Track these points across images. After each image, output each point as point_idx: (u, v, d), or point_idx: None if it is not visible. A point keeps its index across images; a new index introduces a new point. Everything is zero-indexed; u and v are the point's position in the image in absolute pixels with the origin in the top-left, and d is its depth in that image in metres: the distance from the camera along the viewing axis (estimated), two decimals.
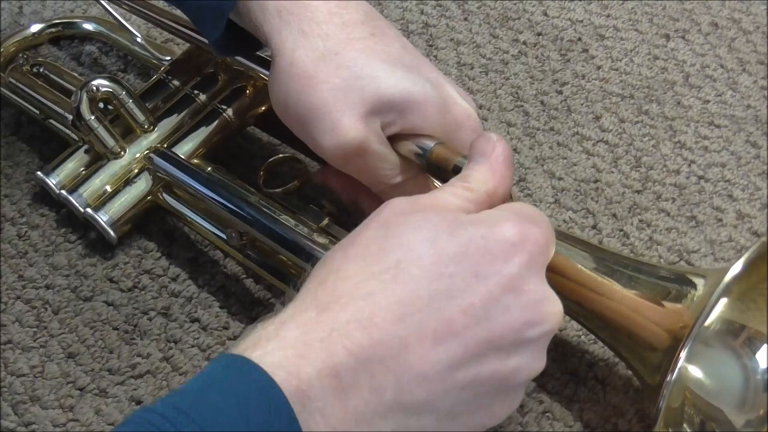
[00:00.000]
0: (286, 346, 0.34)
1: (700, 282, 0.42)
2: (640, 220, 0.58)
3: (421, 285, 0.35)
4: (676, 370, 0.38)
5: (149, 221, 0.57)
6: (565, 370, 0.51)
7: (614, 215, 0.59)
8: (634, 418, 0.49)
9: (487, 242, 0.36)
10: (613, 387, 0.50)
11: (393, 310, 0.35)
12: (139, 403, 0.50)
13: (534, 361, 0.37)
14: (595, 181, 0.61)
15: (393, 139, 0.46)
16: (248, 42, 0.50)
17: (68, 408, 0.49)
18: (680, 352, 0.38)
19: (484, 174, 0.40)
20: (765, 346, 0.44)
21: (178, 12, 0.69)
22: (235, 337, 0.52)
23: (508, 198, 0.41)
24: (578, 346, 0.52)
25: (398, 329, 0.34)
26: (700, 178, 0.61)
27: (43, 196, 0.58)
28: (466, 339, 0.35)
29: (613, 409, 0.49)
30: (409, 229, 0.37)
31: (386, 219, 0.38)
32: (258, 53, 0.56)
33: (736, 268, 0.38)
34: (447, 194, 0.39)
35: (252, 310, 0.54)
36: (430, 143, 0.46)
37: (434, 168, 0.45)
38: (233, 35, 0.49)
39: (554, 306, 0.37)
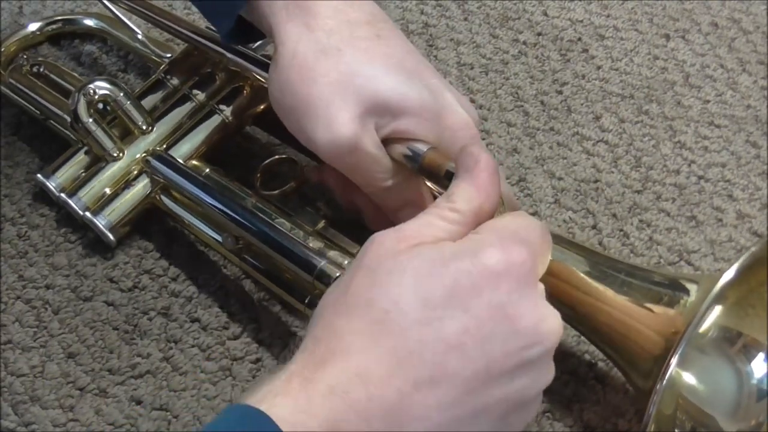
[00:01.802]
0: (291, 403, 0.34)
1: (693, 288, 0.42)
2: (640, 220, 0.58)
3: (410, 334, 0.35)
4: (667, 376, 0.37)
5: (149, 222, 0.57)
6: (565, 370, 0.50)
7: (614, 215, 0.59)
8: (634, 418, 0.49)
9: (472, 277, 0.36)
10: (613, 387, 0.50)
11: (386, 363, 0.35)
12: (139, 403, 0.50)
13: (541, 376, 0.38)
14: (595, 181, 0.61)
15: (386, 142, 0.46)
16: (255, 33, 0.50)
17: (68, 408, 0.49)
18: (671, 358, 0.38)
19: (468, 192, 0.40)
20: (760, 354, 0.43)
21: (178, 12, 0.69)
22: (235, 337, 0.52)
23: (500, 207, 0.41)
24: (578, 346, 0.52)
25: (394, 381, 0.35)
26: (700, 178, 0.61)
27: (43, 197, 0.58)
28: (464, 376, 0.35)
29: (613, 409, 0.49)
30: (395, 276, 0.36)
31: (371, 263, 0.37)
32: (255, 54, 0.56)
33: (729, 274, 0.38)
34: (433, 219, 0.39)
35: (252, 310, 0.54)
36: (423, 148, 0.45)
37: (426, 172, 0.45)
38: (242, 26, 0.50)
39: (551, 324, 0.37)
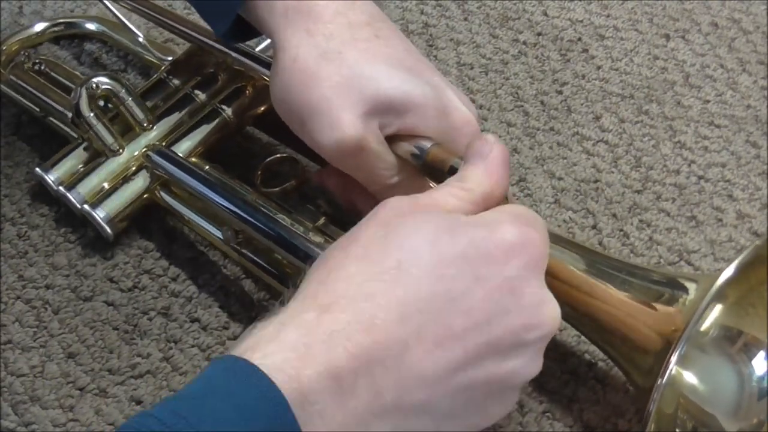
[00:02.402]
0: (286, 349, 0.33)
1: (692, 286, 0.42)
2: (640, 220, 0.58)
3: (421, 286, 0.35)
4: (667, 374, 0.37)
5: (149, 221, 0.57)
6: (565, 370, 0.51)
7: (614, 215, 0.59)
8: (634, 418, 0.49)
9: (487, 245, 0.36)
10: (613, 387, 0.50)
11: (394, 311, 0.34)
12: (139, 403, 0.50)
13: (530, 364, 0.37)
14: (595, 181, 0.61)
15: (390, 140, 0.46)
16: (253, 31, 0.50)
17: (68, 408, 0.49)
18: (671, 355, 0.38)
19: (480, 175, 0.40)
20: (761, 353, 0.43)
21: (179, 11, 0.69)
22: (235, 337, 0.52)
23: (504, 200, 0.41)
24: (578, 346, 0.52)
25: (399, 331, 0.34)
26: (700, 178, 0.61)
27: (43, 196, 0.58)
28: (465, 342, 0.35)
29: (613, 409, 0.49)
30: (410, 229, 0.36)
31: (386, 218, 0.37)
32: (258, 53, 0.56)
33: (728, 272, 0.38)
34: (445, 195, 0.39)
35: (252, 310, 0.54)
36: (426, 144, 0.46)
37: (430, 169, 0.46)
38: (239, 26, 0.50)
39: (553, 310, 0.37)
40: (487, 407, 0.37)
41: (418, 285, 0.35)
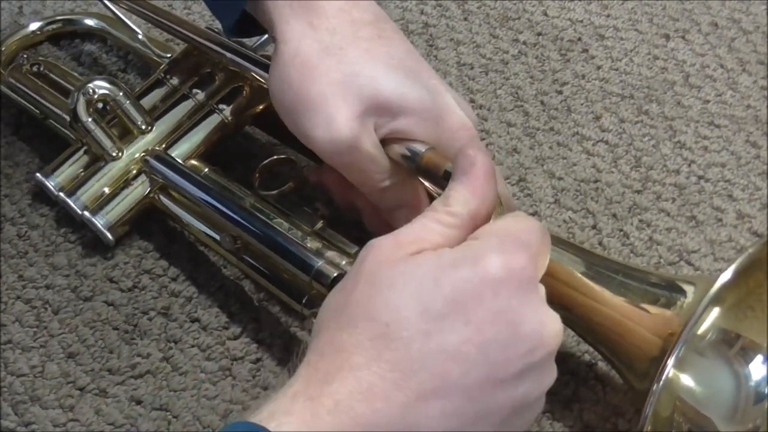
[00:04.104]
0: (299, 421, 0.34)
1: (690, 289, 0.41)
2: (640, 220, 0.58)
3: (412, 347, 0.35)
4: (663, 377, 0.37)
5: (149, 222, 0.57)
6: (565, 370, 0.50)
7: (614, 215, 0.59)
8: (634, 418, 0.49)
9: (473, 286, 0.36)
10: (613, 387, 0.50)
11: (389, 377, 0.35)
12: (139, 403, 0.50)
13: (544, 378, 0.38)
14: (595, 181, 0.61)
15: (385, 142, 0.46)
16: (259, 26, 0.50)
17: (68, 408, 0.49)
18: (668, 359, 0.38)
19: (465, 194, 0.39)
20: (759, 356, 0.43)
21: (178, 12, 0.69)
22: (235, 337, 0.52)
23: (497, 208, 0.41)
24: (578, 346, 0.52)
25: (398, 395, 0.35)
26: (700, 178, 0.61)
27: (43, 196, 0.58)
28: (466, 385, 0.35)
29: (613, 409, 0.49)
30: (394, 287, 0.36)
31: (370, 272, 0.37)
32: (255, 54, 0.56)
33: (726, 275, 0.38)
34: (430, 223, 0.39)
35: (252, 310, 0.54)
36: (421, 148, 0.45)
37: (424, 172, 0.45)
38: (245, 21, 0.50)
39: (552, 327, 0.37)
40: (511, 424, 0.37)
41: (408, 346, 0.35)
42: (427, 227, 0.39)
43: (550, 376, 0.38)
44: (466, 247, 0.38)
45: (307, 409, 0.34)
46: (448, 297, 0.36)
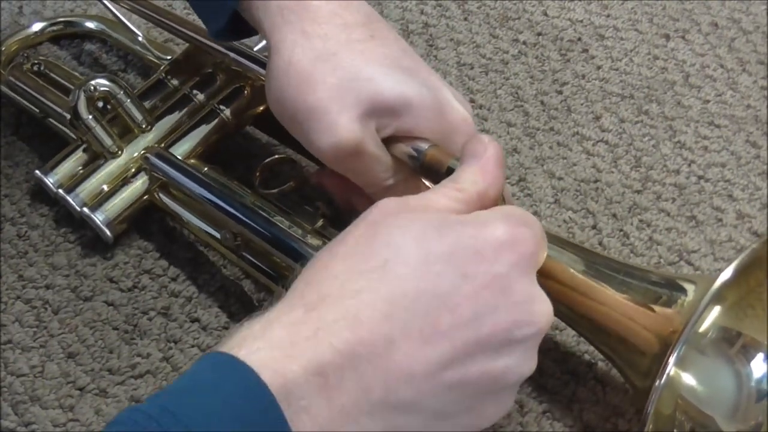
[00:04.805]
0: (272, 346, 0.33)
1: (690, 287, 0.42)
2: (640, 220, 0.58)
3: (407, 284, 0.35)
4: (665, 375, 0.37)
5: (149, 221, 0.57)
6: (565, 370, 0.51)
7: (614, 215, 0.59)
8: (634, 418, 0.49)
9: (476, 242, 0.36)
10: (613, 387, 0.50)
11: (379, 308, 0.35)
12: (139, 403, 0.50)
13: (524, 363, 0.37)
14: (595, 181, 0.61)
15: (387, 141, 0.46)
16: (247, 29, 0.50)
17: (68, 408, 0.49)
18: (669, 357, 0.38)
19: (474, 175, 0.40)
20: (760, 354, 0.43)
21: (178, 11, 0.69)
22: None
23: (500, 200, 0.41)
24: (578, 346, 0.52)
25: (385, 328, 0.34)
26: (700, 178, 0.61)
27: (43, 196, 0.58)
28: (453, 338, 0.35)
29: (613, 409, 0.49)
30: (397, 228, 0.36)
31: (375, 219, 0.38)
32: (256, 53, 0.56)
33: (727, 273, 0.38)
34: (437, 195, 0.39)
35: (252, 310, 0.53)
36: (424, 145, 0.45)
37: (427, 170, 0.45)
38: (235, 24, 0.50)
39: (544, 306, 0.37)
40: (480, 407, 0.37)
41: (404, 283, 0.35)
42: (435, 197, 0.39)
43: (530, 362, 0.38)
44: (473, 214, 0.38)
45: (283, 335, 0.34)
46: (449, 247, 0.36)
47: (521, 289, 0.36)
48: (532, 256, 0.38)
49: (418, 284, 0.35)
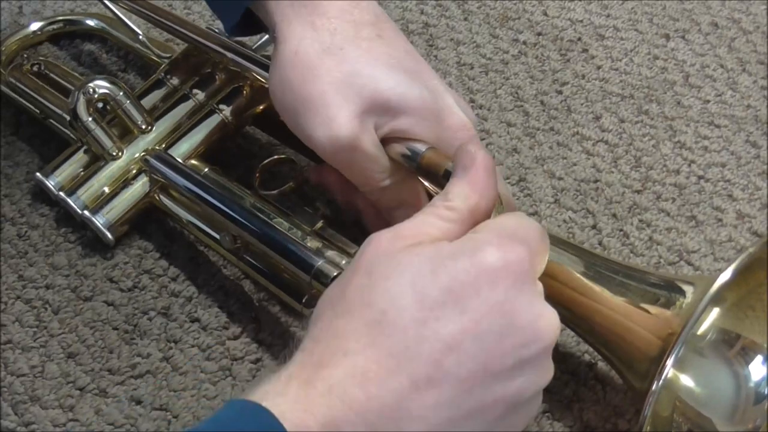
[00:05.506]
0: (291, 401, 0.34)
1: (689, 289, 0.41)
2: (640, 220, 0.58)
3: (408, 334, 0.35)
4: (663, 377, 0.37)
5: (149, 221, 0.57)
6: (565, 370, 0.51)
7: (614, 215, 0.59)
8: (634, 418, 0.48)
9: (469, 275, 0.36)
10: (613, 387, 0.50)
11: (383, 363, 0.35)
12: (139, 403, 0.50)
13: (540, 375, 0.37)
14: (595, 181, 0.61)
15: (385, 142, 0.46)
16: (259, 25, 0.50)
17: (68, 408, 0.49)
18: (667, 359, 0.38)
19: (464, 189, 0.40)
20: (759, 356, 0.43)
21: (178, 12, 0.69)
22: (235, 337, 0.52)
23: (496, 207, 0.41)
24: (578, 346, 0.52)
25: (392, 381, 0.35)
26: (700, 178, 0.61)
27: (43, 196, 0.58)
28: (461, 375, 0.35)
29: (613, 409, 0.49)
30: (392, 275, 0.36)
31: (369, 263, 0.37)
32: (255, 54, 0.56)
33: (726, 275, 0.38)
34: (429, 219, 0.39)
35: (252, 310, 0.54)
36: (421, 147, 0.45)
37: (425, 172, 0.45)
38: (247, 20, 0.50)
39: (549, 321, 0.37)
40: (507, 422, 0.37)
41: (404, 333, 0.35)
42: (426, 222, 0.39)
43: (546, 373, 0.38)
44: (465, 240, 0.38)
45: (300, 392, 0.34)
46: (444, 286, 0.36)
47: (522, 309, 0.36)
48: (528, 272, 0.37)
49: (418, 332, 0.35)
